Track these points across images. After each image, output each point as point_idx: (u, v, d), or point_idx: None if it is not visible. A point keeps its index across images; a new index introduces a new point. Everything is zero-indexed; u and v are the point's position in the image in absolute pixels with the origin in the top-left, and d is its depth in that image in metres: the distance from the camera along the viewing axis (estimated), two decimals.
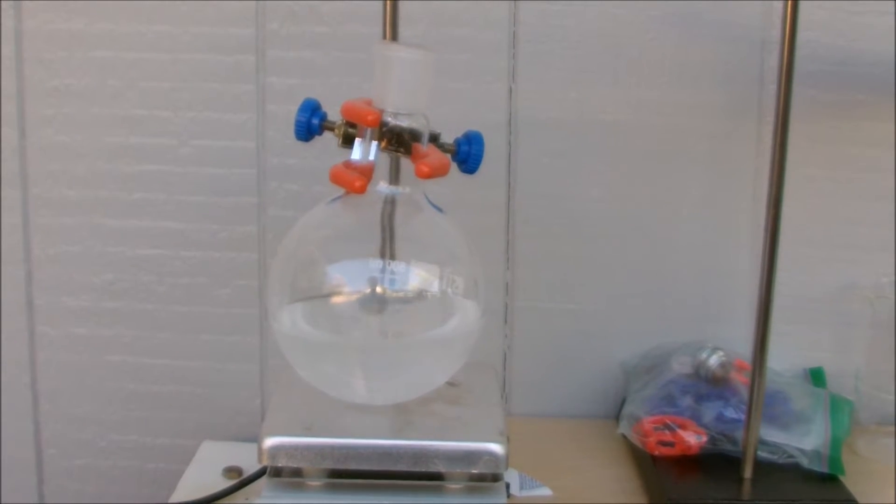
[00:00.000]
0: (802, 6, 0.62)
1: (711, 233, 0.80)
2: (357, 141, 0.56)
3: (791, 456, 0.70)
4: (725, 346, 0.76)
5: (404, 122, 0.55)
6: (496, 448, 0.53)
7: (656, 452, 0.71)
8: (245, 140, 0.80)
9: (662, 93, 0.78)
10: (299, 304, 0.56)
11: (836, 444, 0.71)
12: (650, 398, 0.74)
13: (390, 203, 0.57)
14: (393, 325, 0.56)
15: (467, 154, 0.57)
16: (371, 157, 0.55)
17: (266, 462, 0.54)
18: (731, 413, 0.72)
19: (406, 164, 0.56)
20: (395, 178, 0.57)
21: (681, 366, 0.76)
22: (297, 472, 0.54)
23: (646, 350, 0.80)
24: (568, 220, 0.80)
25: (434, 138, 0.57)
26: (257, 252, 0.81)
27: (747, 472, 0.68)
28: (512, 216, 0.81)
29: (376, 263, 0.54)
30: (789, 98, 0.63)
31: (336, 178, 0.54)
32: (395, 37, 0.64)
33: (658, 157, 0.80)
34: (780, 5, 0.70)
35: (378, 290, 0.54)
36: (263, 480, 0.55)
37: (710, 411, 0.72)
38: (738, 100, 0.78)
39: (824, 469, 0.70)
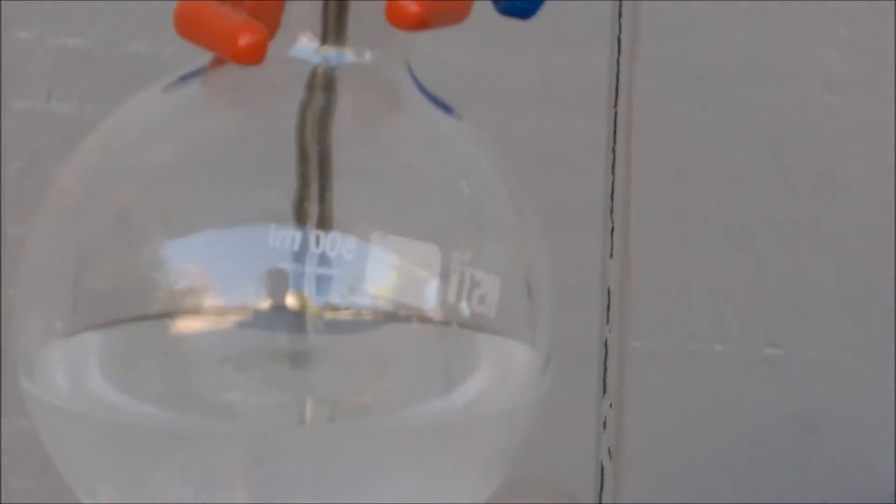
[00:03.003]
0: None
1: None
2: None
3: None
4: None
5: None
6: None
7: None
8: None
9: None
10: (92, 335, 0.50)
11: None
12: None
13: (323, 88, 0.52)
14: (329, 387, 0.51)
15: None
16: None
17: None
18: None
19: None
20: (335, 28, 0.52)
21: None
22: None
23: None
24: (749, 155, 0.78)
25: None
26: None
27: None
28: (622, 135, 0.77)
29: (285, 236, 0.49)
30: None
31: (188, 26, 0.50)
32: None
33: None
34: None
35: (290, 301, 0.49)
36: None
37: None
38: None
39: None
